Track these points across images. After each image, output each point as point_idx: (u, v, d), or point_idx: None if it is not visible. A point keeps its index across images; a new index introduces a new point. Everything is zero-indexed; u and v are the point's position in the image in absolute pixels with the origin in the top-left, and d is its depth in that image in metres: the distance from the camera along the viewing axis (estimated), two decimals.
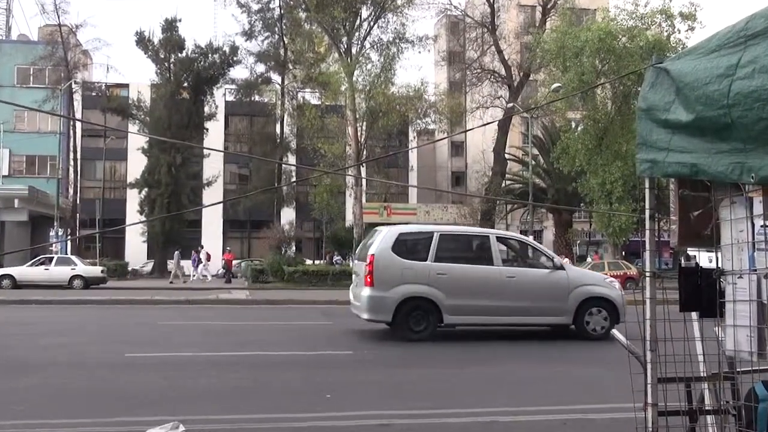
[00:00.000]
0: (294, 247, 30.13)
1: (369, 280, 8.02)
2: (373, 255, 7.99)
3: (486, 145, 34.08)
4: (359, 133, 24.80)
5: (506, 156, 32.43)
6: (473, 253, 8.32)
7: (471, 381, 5.88)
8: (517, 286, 7.94)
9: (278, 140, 31.59)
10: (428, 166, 43.62)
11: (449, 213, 39.07)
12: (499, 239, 8.37)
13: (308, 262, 29.46)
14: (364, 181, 29.81)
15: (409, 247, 8.11)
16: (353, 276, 9.07)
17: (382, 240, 8.08)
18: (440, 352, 7.64)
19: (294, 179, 32.38)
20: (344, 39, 25.07)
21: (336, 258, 29.56)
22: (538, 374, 6.09)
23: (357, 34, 24.98)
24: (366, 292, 8.13)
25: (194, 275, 25.42)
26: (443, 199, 46.28)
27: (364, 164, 27.55)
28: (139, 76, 51.64)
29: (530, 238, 11.91)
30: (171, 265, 26.23)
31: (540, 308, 7.97)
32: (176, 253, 26.15)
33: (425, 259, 7.97)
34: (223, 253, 26.06)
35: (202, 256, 26.36)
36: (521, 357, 7.18)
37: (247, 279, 24.12)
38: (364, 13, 24.84)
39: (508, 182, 34.51)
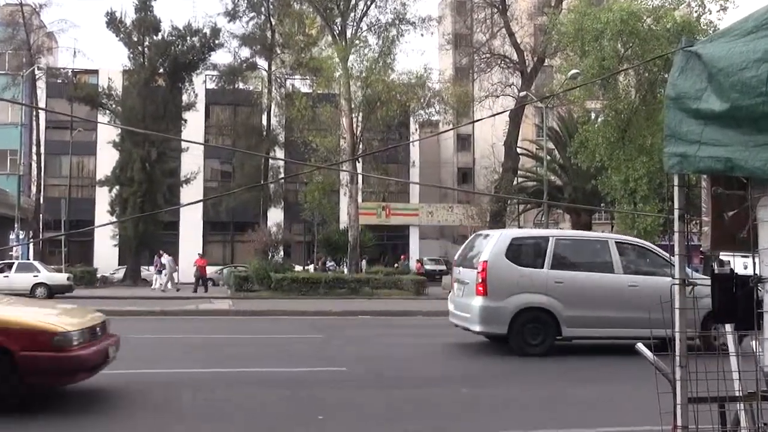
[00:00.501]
0: (282, 252, 30.11)
1: (482, 288, 8.03)
2: (486, 261, 8.02)
3: (496, 138, 34.13)
4: (355, 125, 24.82)
5: (518, 150, 32.45)
6: (591, 259, 8.26)
7: (475, 401, 5.85)
8: (640, 296, 7.71)
9: (265, 133, 31.59)
10: (432, 162, 43.70)
11: (455, 214, 39.19)
12: (618, 244, 8.31)
13: (298, 268, 29.42)
14: (360, 178, 29.86)
15: (522, 252, 8.10)
16: (455, 284, 9.04)
17: (494, 245, 8.10)
18: (452, 367, 7.62)
19: (282, 176, 32.40)
20: (338, 20, 25.11)
21: (329, 264, 29.59)
22: (537, 395, 6.06)
23: (352, 14, 25.02)
24: (478, 301, 8.15)
25: (159, 284, 25.39)
26: (448, 199, 46.36)
27: (360, 159, 27.55)
28: (109, 62, 51.65)
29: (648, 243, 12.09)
30: (157, 272, 26.39)
31: (664, 320, 7.81)
32: (169, 259, 26.35)
33: (541, 266, 7.97)
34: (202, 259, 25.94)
35: (165, 260, 26.15)
36: (550, 374, 7.13)
37: (229, 287, 24.12)
38: None
39: (520, 179, 34.55)
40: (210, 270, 35.80)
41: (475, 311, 8.15)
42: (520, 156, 32.84)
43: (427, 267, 36.66)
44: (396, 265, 29.61)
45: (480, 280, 8.02)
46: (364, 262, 30.06)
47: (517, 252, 8.11)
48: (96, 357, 5.38)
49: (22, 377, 5.05)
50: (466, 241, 9.33)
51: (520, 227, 37.34)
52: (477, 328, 8.22)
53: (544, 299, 7.69)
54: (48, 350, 5.05)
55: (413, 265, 36.99)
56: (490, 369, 7.42)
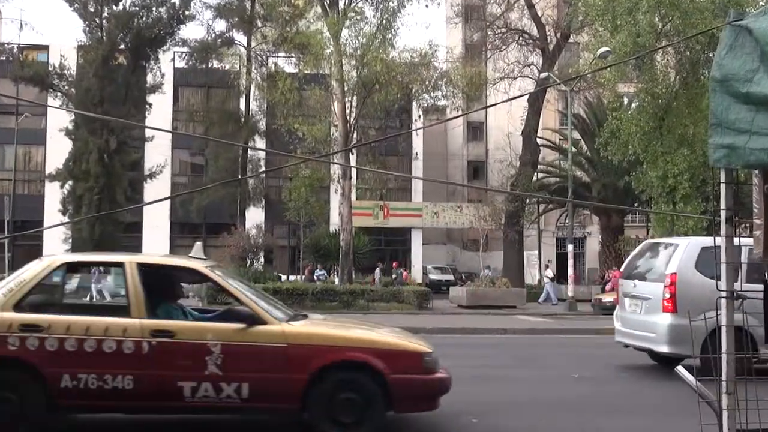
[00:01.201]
0: (262, 259, 30.12)
1: (670, 304, 8.16)
2: (674, 274, 8.19)
3: (513, 126, 34.18)
4: (348, 111, 24.84)
5: (538, 141, 32.53)
6: None
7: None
8: None
9: (243, 119, 31.61)
10: (438, 154, 43.78)
11: (464, 215, 39.26)
12: None
13: (281, 277, 29.40)
14: (354, 173, 29.85)
15: (712, 264, 7.86)
16: (625, 300, 9.16)
17: (682, 255, 8.28)
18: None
19: (263, 170, 32.36)
20: None
21: (318, 272, 29.61)
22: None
23: None
24: (666, 319, 8.27)
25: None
26: (457, 197, 46.37)
27: (354, 151, 27.56)
28: (62, 36, 51.46)
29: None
30: None
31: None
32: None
33: (734, 280, 7.76)
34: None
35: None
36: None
37: (201, 300, 24.12)
38: None
39: (540, 175, 34.62)
40: None
41: (662, 330, 8.27)
42: (541, 147, 32.91)
43: (432, 276, 36.69)
44: (394, 276, 29.59)
45: (668, 295, 8.13)
46: (376, 271, 30.02)
47: (708, 263, 7.88)
48: (450, 381, 5.93)
49: (392, 402, 5.60)
50: (635, 251, 9.47)
51: (540, 230, 37.49)
52: (664, 348, 8.33)
53: (739, 317, 7.47)
54: (419, 373, 5.69)
55: (416, 274, 37.03)
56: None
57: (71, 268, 6.51)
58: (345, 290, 22.47)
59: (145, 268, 5.96)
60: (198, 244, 6.34)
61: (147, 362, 5.58)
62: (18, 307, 5.70)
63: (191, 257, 7.01)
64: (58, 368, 5.53)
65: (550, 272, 30.97)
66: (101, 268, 14.37)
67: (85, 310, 6.40)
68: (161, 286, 6.07)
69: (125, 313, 5.76)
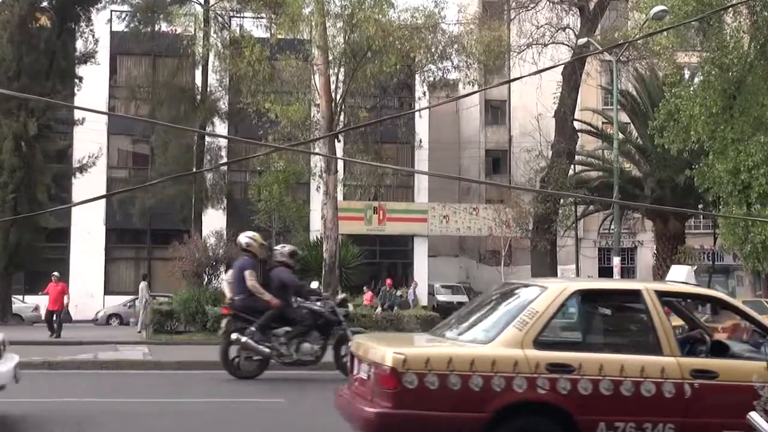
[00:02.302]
0: (223, 274, 30.03)
1: None
2: None
3: (543, 107, 34.22)
4: (333, 87, 24.83)
5: (576, 125, 32.57)
6: None
7: None
8: None
9: (199, 97, 31.57)
10: (448, 142, 43.84)
11: (481, 219, 39.28)
12: None
13: None
14: (340, 165, 29.77)
15: None
16: None
17: None
18: None
19: (224, 161, 32.28)
20: None
21: None
22: None
23: None
24: None
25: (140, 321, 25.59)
26: (472, 196, 46.40)
27: (341, 137, 27.55)
28: None
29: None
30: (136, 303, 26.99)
31: None
32: (143, 284, 26.93)
33: None
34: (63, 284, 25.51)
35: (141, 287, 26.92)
36: None
37: (146, 327, 24.05)
38: None
39: (579, 168, 34.66)
40: (115, 302, 35.99)
41: None
42: (579, 133, 32.95)
43: (440, 298, 36.71)
44: (381, 301, 29.52)
45: None
46: (367, 294, 29.92)
47: None
48: None
49: None
50: None
51: (578, 239, 37.55)
52: None
53: None
54: None
55: (421, 295, 37.01)
56: None
57: (586, 297, 6.79)
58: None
59: (664, 296, 6.62)
60: (688, 268, 6.57)
61: (689, 408, 6.06)
62: (537, 343, 6.18)
63: (681, 282, 7.26)
64: (594, 415, 6.00)
65: None
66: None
67: (601, 346, 6.76)
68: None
69: (654, 349, 6.27)
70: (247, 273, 13.06)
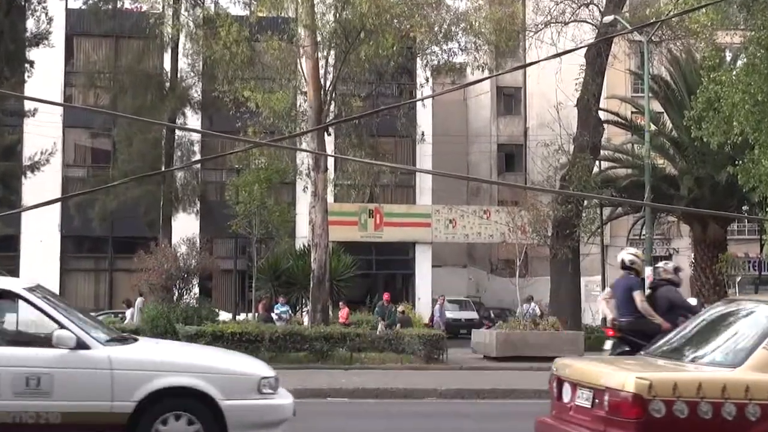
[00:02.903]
0: (197, 289, 30.01)
1: None
2: None
3: (563, 94, 34.18)
4: (323, 72, 24.83)
5: (602, 115, 32.56)
6: None
7: None
8: None
9: (168, 84, 31.55)
10: (454, 135, 43.86)
11: (493, 224, 39.18)
12: None
13: (224, 315, 29.24)
14: (331, 163, 29.75)
15: None
16: None
17: None
18: None
19: (198, 158, 32.23)
20: None
21: (279, 308, 29.49)
22: None
23: None
24: None
25: None
26: (482, 197, 46.32)
27: (331, 130, 27.54)
28: None
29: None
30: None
31: None
32: (139, 299, 27.16)
33: None
34: None
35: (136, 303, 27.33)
36: None
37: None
38: None
39: (605, 164, 34.63)
40: None
41: None
42: (605, 125, 32.94)
43: (448, 314, 36.66)
44: (402, 310, 29.46)
45: None
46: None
47: None
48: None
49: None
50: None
51: (604, 246, 37.45)
52: None
53: None
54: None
55: (423, 310, 36.96)
56: None
57: None
58: (318, 334, 22.35)
59: None
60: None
61: None
62: None
63: None
64: None
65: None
66: None
67: None
68: None
69: None
70: (637, 294, 13.12)
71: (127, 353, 8.79)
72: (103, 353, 8.48)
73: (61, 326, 8.41)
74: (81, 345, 8.33)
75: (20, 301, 8.86)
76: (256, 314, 29.28)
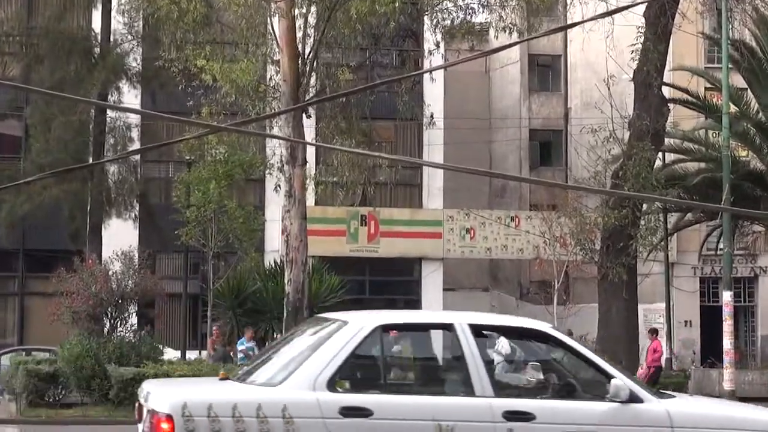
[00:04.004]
0: (134, 318, 30.01)
1: None
2: None
3: (616, 65, 34.24)
4: (301, 35, 24.93)
5: (666, 93, 32.58)
6: None
7: None
8: None
9: (97, 50, 31.57)
10: (473, 118, 43.89)
11: (523, 233, 39.16)
12: None
13: (171, 353, 29.24)
14: (311, 153, 29.71)
15: None
16: None
17: None
18: None
19: (136, 146, 32.23)
20: None
21: (244, 344, 29.45)
22: None
23: None
24: None
25: None
26: (510, 199, 46.28)
27: (311, 110, 27.57)
28: None
29: None
30: None
31: None
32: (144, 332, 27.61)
33: None
34: None
35: None
36: None
37: (16, 398, 23.99)
38: None
39: (670, 157, 34.68)
40: None
41: None
42: (671, 105, 32.97)
43: None
44: (399, 347, 29.47)
45: None
46: None
47: None
48: None
49: None
50: None
51: (670, 264, 37.41)
52: None
53: None
54: None
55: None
56: None
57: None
58: None
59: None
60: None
61: None
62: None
63: None
64: None
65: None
66: None
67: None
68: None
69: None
70: None
71: (684, 407, 9.45)
72: (660, 407, 9.04)
73: (608, 375, 9.00)
74: (634, 398, 8.85)
75: (551, 344, 9.70)
76: (212, 352, 29.31)
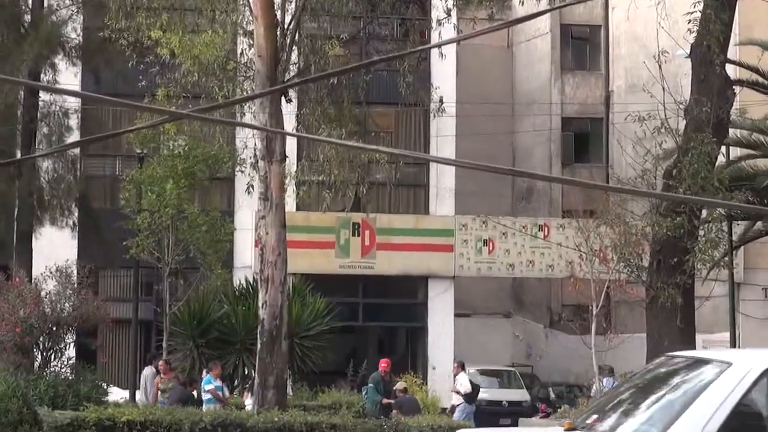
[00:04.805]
0: (73, 350, 29.99)
1: None
2: None
3: (669, 39, 34.27)
4: (279, 1, 24.96)
5: (730, 72, 32.60)
6: None
7: None
8: None
9: (28, 18, 31.60)
10: (493, 104, 43.90)
11: (553, 247, 39.07)
12: None
13: (118, 393, 29.24)
14: (291, 147, 29.69)
15: None
16: None
17: None
18: None
19: (75, 138, 32.24)
20: None
21: (213, 383, 29.48)
22: None
23: None
24: None
25: None
26: (538, 205, 46.24)
27: (291, 93, 27.58)
28: None
29: None
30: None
31: None
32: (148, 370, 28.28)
33: None
34: None
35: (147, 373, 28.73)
36: None
37: None
38: None
39: (736, 152, 34.64)
40: None
41: None
42: (736, 89, 32.99)
43: (482, 394, 36.63)
44: (404, 387, 29.59)
45: None
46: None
47: None
48: None
49: None
50: None
51: (735, 285, 37.42)
52: None
53: None
54: None
55: (439, 384, 36.92)
56: None
57: None
58: (268, 425, 22.42)
59: None
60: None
61: None
62: None
63: None
64: None
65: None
66: None
67: None
68: None
69: None
70: None
71: None
72: None
73: None
74: None
75: None
76: (161, 391, 29.28)
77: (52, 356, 27.29)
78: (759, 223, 35.15)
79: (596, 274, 31.31)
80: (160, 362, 29.85)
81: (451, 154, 38.44)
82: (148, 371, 30.14)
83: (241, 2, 25.67)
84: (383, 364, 30.27)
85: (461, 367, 34.74)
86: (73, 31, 31.90)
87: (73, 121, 32.48)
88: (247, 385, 29.04)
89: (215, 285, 32.71)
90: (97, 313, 29.13)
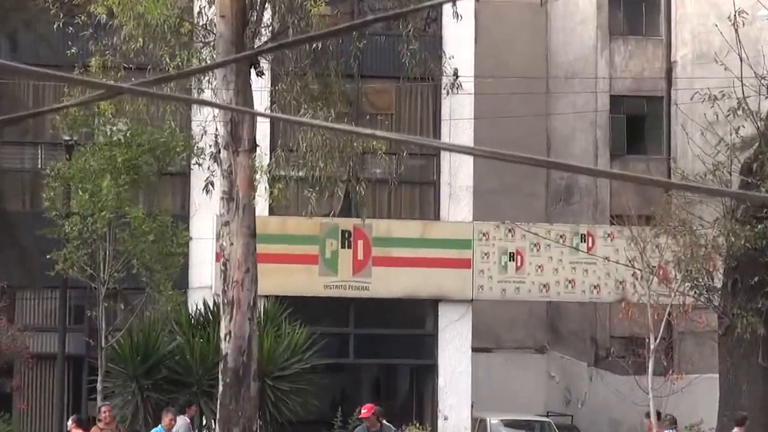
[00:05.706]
0: None
1: None
2: None
3: (744, 3, 34.31)
4: None
5: None
6: None
7: None
8: None
9: None
10: (521, 78, 43.93)
11: (599, 263, 39.10)
12: None
13: None
14: (263, 132, 29.72)
15: None
16: None
17: None
18: None
19: None
20: None
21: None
22: None
23: None
24: None
25: None
26: (578, 209, 46.41)
27: (263, 64, 27.62)
28: None
29: None
30: None
31: None
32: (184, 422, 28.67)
33: None
34: None
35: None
36: None
37: None
38: None
39: None
40: None
41: None
42: None
43: None
44: None
45: None
46: None
47: None
48: None
49: None
50: None
51: None
52: None
53: None
54: None
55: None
56: None
57: None
58: None
59: None
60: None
61: None
62: None
63: None
64: None
65: None
66: None
67: None
68: None
69: None
70: None
71: None
72: None
73: None
74: None
75: None
76: None
77: None
78: None
79: (654, 298, 31.32)
80: (104, 407, 29.76)
81: (468, 141, 38.46)
82: (181, 422, 29.91)
83: None
84: (364, 410, 30.08)
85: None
86: None
87: None
88: None
89: (165, 310, 32.72)
90: (12, 346, 29.20)
